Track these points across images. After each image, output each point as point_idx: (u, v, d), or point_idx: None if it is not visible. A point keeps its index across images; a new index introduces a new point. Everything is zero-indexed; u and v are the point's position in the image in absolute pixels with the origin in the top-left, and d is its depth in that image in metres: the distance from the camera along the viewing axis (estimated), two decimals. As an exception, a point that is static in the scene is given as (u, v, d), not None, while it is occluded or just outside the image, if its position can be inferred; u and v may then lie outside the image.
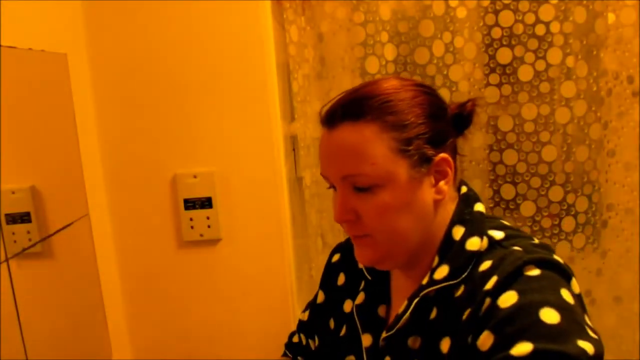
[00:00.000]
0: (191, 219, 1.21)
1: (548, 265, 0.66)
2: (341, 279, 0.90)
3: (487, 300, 0.65)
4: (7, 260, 0.82)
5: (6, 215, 0.84)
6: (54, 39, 1.03)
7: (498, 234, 0.72)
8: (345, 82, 1.34)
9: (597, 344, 0.59)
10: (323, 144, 0.74)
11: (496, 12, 1.30)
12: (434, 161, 0.72)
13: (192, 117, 1.18)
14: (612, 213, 1.37)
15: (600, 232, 1.38)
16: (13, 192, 0.87)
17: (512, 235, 0.72)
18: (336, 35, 1.33)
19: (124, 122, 1.19)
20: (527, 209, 1.36)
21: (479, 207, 0.76)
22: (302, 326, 0.99)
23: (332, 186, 0.75)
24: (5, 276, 0.81)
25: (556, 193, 1.35)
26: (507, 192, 1.37)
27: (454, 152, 0.76)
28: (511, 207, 1.38)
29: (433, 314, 0.71)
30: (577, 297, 0.65)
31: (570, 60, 1.29)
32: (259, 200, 1.20)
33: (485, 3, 1.30)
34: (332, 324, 0.88)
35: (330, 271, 0.93)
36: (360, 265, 0.86)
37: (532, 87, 1.32)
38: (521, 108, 1.33)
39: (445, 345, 0.69)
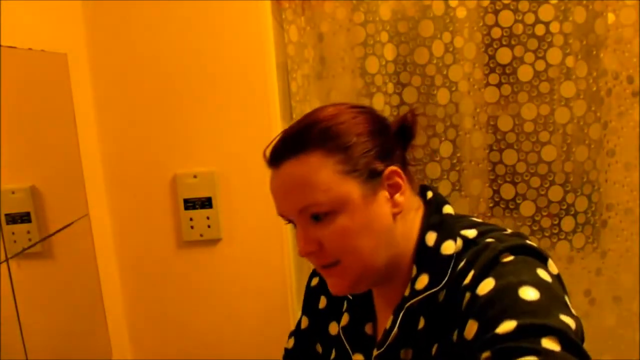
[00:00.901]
0: (191, 219, 1.21)
1: (522, 250, 0.67)
2: (322, 302, 0.90)
3: (467, 295, 0.65)
4: (7, 260, 0.82)
5: (6, 215, 0.84)
6: (54, 39, 1.04)
7: (471, 232, 0.72)
8: (345, 82, 1.34)
9: (577, 321, 0.60)
10: (273, 184, 0.75)
11: (496, 12, 1.30)
12: (383, 175, 0.72)
13: (192, 117, 1.18)
14: (611, 213, 1.37)
15: (599, 232, 1.38)
16: (13, 192, 0.87)
17: (485, 230, 0.72)
18: (336, 35, 1.33)
19: (124, 122, 1.19)
20: (527, 208, 1.36)
21: (448, 209, 0.76)
22: (288, 355, 0.97)
23: (291, 221, 0.75)
24: (5, 276, 0.81)
25: (556, 193, 1.35)
26: (507, 191, 1.37)
27: (403, 164, 0.76)
28: (511, 206, 1.38)
29: (421, 324, 0.71)
30: (556, 277, 0.66)
31: (570, 60, 1.29)
32: (259, 200, 1.20)
33: (485, 3, 1.30)
34: (319, 348, 0.88)
35: (310, 295, 0.93)
36: None
37: (531, 87, 1.32)
38: (521, 108, 1.33)
39: (435, 350, 0.69)
